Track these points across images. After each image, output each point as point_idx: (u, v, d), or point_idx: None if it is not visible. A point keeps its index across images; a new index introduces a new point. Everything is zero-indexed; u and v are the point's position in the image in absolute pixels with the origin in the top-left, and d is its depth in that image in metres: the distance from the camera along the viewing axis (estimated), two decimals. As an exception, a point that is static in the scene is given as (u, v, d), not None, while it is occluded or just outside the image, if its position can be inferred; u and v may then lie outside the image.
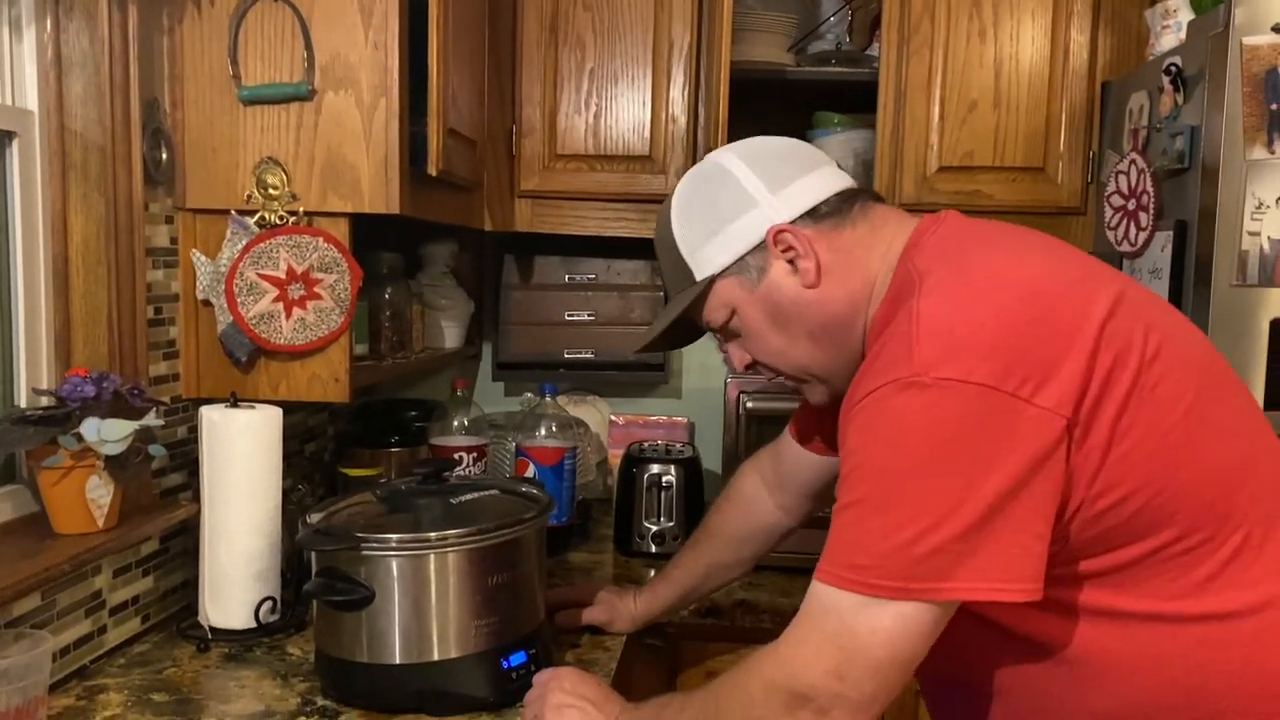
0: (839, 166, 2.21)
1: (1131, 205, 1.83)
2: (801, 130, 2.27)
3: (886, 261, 1.11)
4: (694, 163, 2.10)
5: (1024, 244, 1.09)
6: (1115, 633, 1.01)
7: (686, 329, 1.24)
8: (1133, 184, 1.83)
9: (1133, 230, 1.82)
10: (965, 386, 0.93)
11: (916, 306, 0.99)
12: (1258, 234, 1.56)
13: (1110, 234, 1.90)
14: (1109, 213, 1.91)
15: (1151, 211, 1.76)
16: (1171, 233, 1.67)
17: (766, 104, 2.28)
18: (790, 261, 1.13)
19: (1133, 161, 1.83)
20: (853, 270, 1.12)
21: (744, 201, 1.14)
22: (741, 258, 1.14)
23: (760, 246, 1.13)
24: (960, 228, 1.11)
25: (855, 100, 2.19)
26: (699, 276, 1.17)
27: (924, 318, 0.98)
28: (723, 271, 1.15)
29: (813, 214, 1.13)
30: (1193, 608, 0.99)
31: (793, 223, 1.12)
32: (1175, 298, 1.65)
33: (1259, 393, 1.57)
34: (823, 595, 0.99)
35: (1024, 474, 0.93)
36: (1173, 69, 1.69)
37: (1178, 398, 0.99)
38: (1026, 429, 0.93)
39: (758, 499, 1.54)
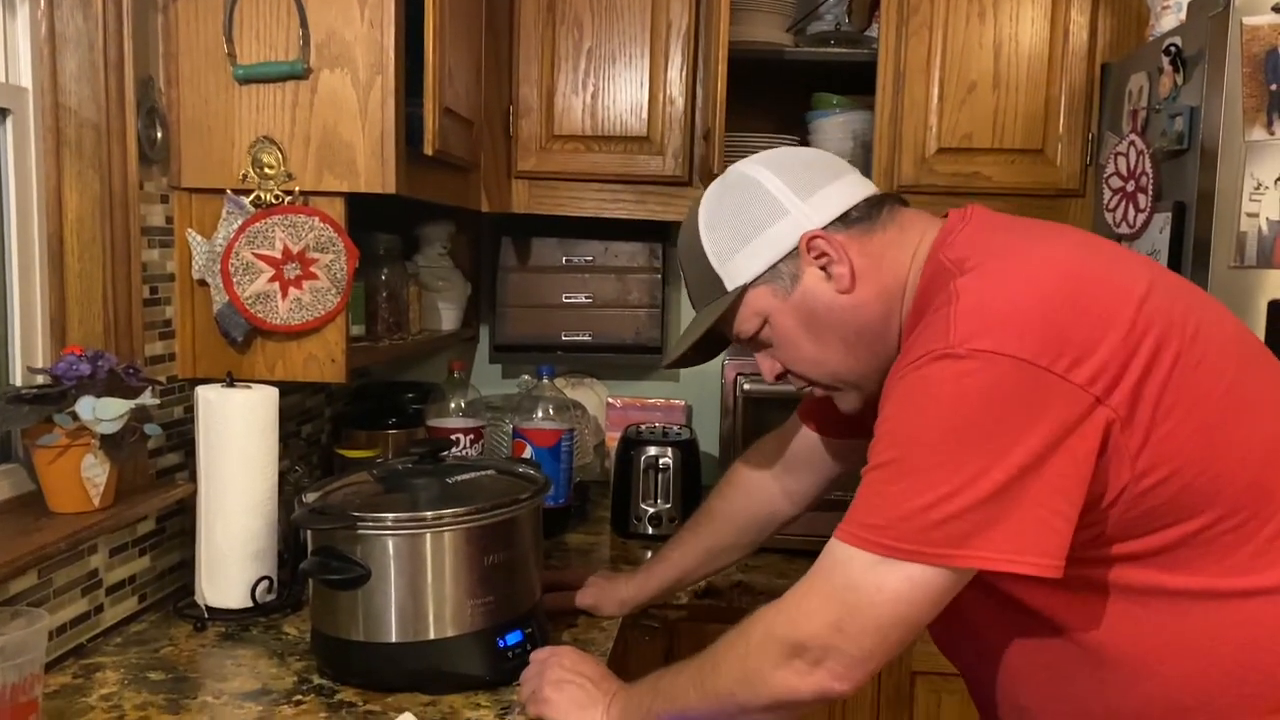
0: (838, 148, 2.23)
1: (1130, 187, 1.82)
2: (799, 111, 2.27)
3: (916, 261, 1.12)
4: (692, 144, 2.12)
5: (1054, 232, 1.10)
6: (1164, 613, 1.01)
7: (713, 340, 1.23)
8: (1131, 165, 1.82)
9: (1131, 212, 1.81)
10: (998, 358, 0.94)
11: (955, 287, 1.00)
12: (1256, 215, 1.56)
13: (1108, 216, 1.90)
14: (1107, 194, 1.91)
15: (1150, 193, 1.75)
16: (1170, 214, 1.67)
17: (765, 85, 2.27)
18: (823, 268, 1.12)
19: (1132, 143, 1.82)
20: (885, 273, 1.12)
21: (775, 209, 1.13)
22: (774, 265, 1.13)
23: (793, 254, 1.13)
24: (988, 221, 1.11)
25: (854, 81, 2.18)
26: (729, 286, 1.16)
27: (962, 295, 0.99)
28: (754, 280, 1.15)
29: (844, 219, 1.13)
30: (1239, 584, 0.99)
31: (825, 228, 1.12)
32: (1173, 279, 1.65)
33: (1256, 374, 1.56)
34: (836, 550, 1.01)
35: (1048, 448, 0.93)
36: (1172, 49, 1.69)
37: (1219, 375, 0.99)
38: (1055, 404, 0.93)
39: (762, 484, 1.53)
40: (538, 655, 1.32)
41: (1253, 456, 1.00)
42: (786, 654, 1.02)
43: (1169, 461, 0.97)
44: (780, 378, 1.22)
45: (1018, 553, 0.94)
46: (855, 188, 1.16)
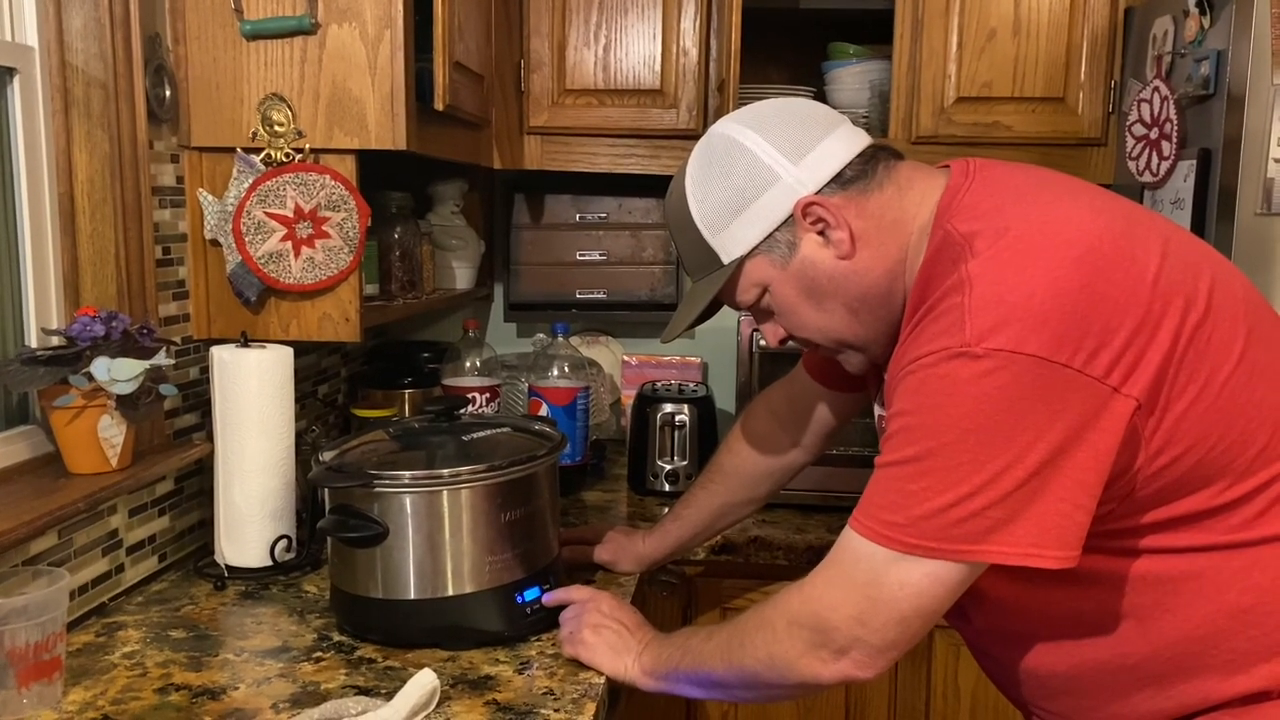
0: (855, 99, 2.18)
1: (1154, 134, 1.79)
2: (816, 62, 2.23)
3: (919, 223, 1.08)
4: (706, 96, 2.09)
5: (1065, 193, 1.06)
6: (1170, 567, 1.02)
7: (711, 303, 1.21)
8: (1155, 112, 1.78)
9: (1155, 160, 1.78)
10: (1016, 357, 0.92)
11: (968, 273, 0.97)
12: (1284, 161, 1.53)
13: (1131, 164, 1.86)
14: (1130, 142, 1.87)
15: (1174, 140, 1.72)
16: (1195, 162, 1.63)
17: (780, 35, 2.24)
18: (821, 233, 1.09)
19: (1156, 89, 1.78)
20: (885, 236, 1.09)
21: (765, 176, 1.09)
22: (770, 235, 1.10)
23: (788, 221, 1.09)
24: (995, 180, 1.07)
25: (871, 30, 2.14)
26: (725, 259, 1.13)
27: (976, 285, 0.96)
28: (751, 252, 1.12)
29: (838, 180, 1.09)
30: (1245, 536, 1.00)
31: (819, 192, 1.08)
32: (1198, 228, 1.62)
33: (1282, 324, 1.54)
34: (856, 544, 1.01)
35: (1068, 444, 0.93)
36: (1199, -8, 1.64)
37: (1230, 348, 0.98)
38: (1074, 398, 0.93)
39: (772, 436, 1.52)
40: (578, 596, 1.34)
41: (1264, 423, 0.99)
42: (812, 644, 1.04)
43: (1183, 440, 0.96)
44: (784, 342, 1.20)
45: (1036, 546, 0.95)
46: (847, 142, 1.11)
